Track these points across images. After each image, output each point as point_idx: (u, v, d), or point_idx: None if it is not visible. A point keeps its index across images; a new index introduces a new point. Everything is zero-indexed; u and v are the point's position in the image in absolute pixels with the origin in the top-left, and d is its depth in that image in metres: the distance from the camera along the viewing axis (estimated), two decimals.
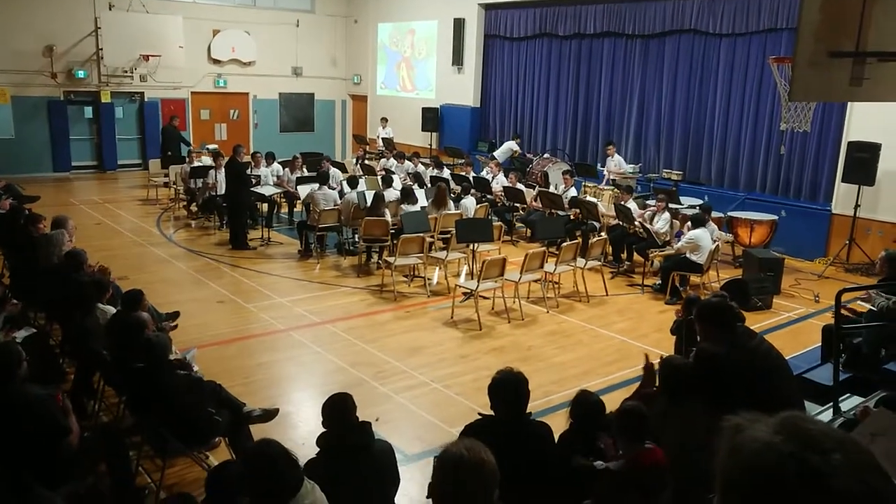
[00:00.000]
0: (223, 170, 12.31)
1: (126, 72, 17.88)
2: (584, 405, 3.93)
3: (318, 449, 3.64)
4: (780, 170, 12.56)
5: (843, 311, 5.67)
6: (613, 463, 3.45)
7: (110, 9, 17.26)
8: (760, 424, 1.12)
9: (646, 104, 14.59)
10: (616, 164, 13.80)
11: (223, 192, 12.26)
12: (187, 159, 14.32)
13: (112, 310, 5.91)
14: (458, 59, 17.81)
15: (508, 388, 3.70)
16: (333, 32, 21.25)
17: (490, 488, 2.18)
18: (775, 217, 11.40)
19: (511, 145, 16.11)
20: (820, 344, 6.32)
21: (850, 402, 4.83)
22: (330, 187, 11.38)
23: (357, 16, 20.98)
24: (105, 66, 17.51)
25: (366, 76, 21.01)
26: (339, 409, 3.69)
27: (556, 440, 3.91)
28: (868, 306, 6.13)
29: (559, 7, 15.80)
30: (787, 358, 4.16)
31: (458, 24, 17.61)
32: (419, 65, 19.22)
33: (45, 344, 6.48)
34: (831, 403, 4.72)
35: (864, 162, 10.53)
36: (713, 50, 13.40)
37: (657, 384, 4.00)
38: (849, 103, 10.82)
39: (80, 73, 17.32)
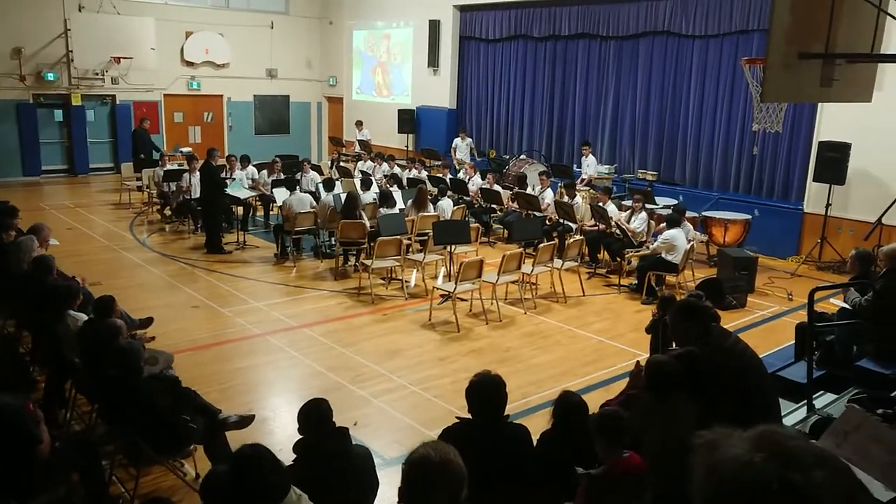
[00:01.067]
0: (197, 173, 12.18)
1: (97, 74, 17.59)
2: (567, 406, 3.93)
3: (294, 455, 3.61)
4: (753, 170, 12.70)
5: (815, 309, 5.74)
6: (594, 469, 3.46)
7: (80, 10, 17.00)
8: (735, 440, 1.09)
9: (620, 105, 14.69)
10: (588, 165, 13.89)
11: (197, 195, 12.13)
12: (160, 162, 14.17)
13: (83, 316, 5.81)
14: (433, 60, 17.79)
15: (486, 392, 3.69)
16: (308, 34, 21.13)
17: (457, 487, 2.18)
18: (749, 216, 11.52)
19: (458, 142, 16.31)
20: (793, 342, 6.41)
21: (823, 400, 4.90)
22: (302, 190, 11.29)
23: (331, 17, 20.88)
24: (75, 69, 17.22)
25: (341, 78, 20.90)
26: (314, 415, 3.67)
27: (534, 442, 3.91)
28: (840, 304, 6.21)
29: (534, 9, 15.86)
30: (761, 356, 4.19)
31: (434, 26, 17.59)
32: (395, 70, 19.16)
33: (15, 351, 6.36)
34: (805, 401, 4.78)
35: (834, 161, 10.69)
36: (686, 51, 13.52)
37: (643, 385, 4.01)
38: (819, 104, 10.98)
39: (50, 76, 17.02)
